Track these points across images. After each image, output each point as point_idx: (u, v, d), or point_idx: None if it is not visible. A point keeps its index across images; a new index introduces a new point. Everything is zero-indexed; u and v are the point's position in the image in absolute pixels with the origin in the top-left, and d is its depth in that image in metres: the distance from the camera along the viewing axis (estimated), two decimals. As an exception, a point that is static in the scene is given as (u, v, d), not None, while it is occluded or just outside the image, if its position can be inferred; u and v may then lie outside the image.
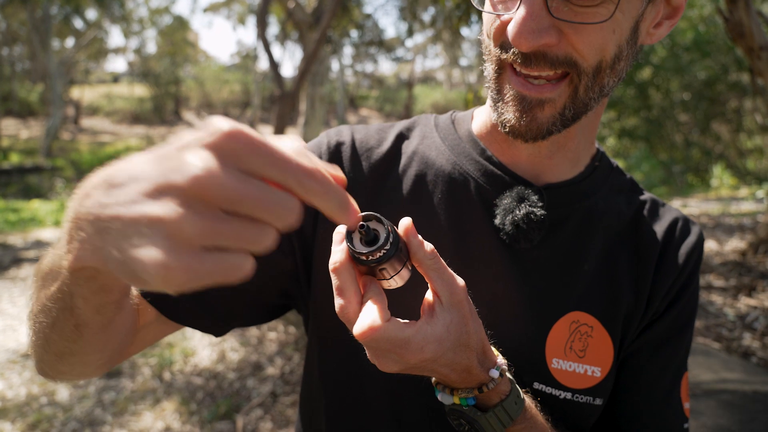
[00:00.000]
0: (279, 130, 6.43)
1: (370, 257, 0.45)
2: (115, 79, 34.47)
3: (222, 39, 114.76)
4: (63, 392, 3.45)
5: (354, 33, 14.03)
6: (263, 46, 6.01)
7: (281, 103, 6.19)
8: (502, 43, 0.54)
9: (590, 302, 0.60)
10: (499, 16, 0.52)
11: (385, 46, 13.54)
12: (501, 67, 0.55)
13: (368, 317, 0.44)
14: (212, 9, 28.70)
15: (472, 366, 0.49)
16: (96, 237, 0.32)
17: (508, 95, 0.56)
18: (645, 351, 0.63)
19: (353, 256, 0.46)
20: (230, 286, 0.58)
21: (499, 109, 0.57)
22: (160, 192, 0.29)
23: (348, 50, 23.37)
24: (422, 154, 0.67)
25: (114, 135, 25.49)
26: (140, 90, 29.40)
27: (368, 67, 33.05)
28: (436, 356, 0.46)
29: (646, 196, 0.68)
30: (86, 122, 27.22)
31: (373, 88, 35.23)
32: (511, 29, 0.50)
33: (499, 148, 0.65)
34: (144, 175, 0.31)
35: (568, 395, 0.58)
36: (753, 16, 3.10)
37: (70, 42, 24.93)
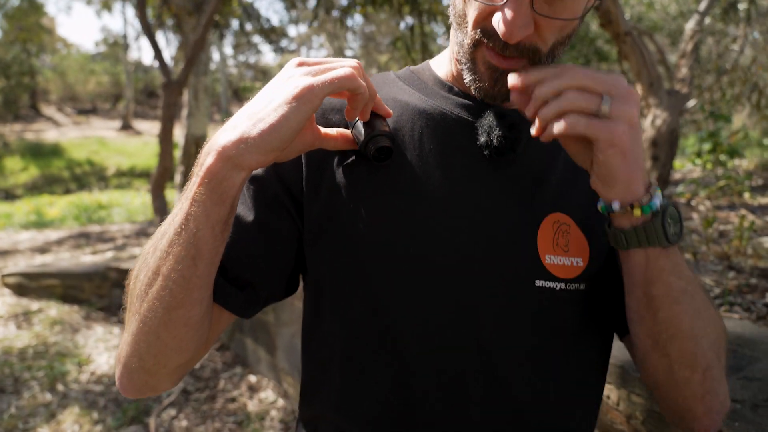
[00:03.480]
0: (167, 121, 6.03)
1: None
2: (-48, 69, 29.90)
3: (84, 25, 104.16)
4: (-68, 418, 3.01)
5: (237, 21, 13.50)
6: (145, 33, 5.58)
7: (168, 92, 5.83)
8: (483, 27, 0.60)
9: (564, 204, 0.68)
10: (487, 4, 0.58)
11: (270, 36, 13.21)
12: (477, 43, 0.62)
13: None
14: (69, -8, 25.96)
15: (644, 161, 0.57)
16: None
17: (481, 65, 0.63)
18: None
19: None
20: (251, 260, 0.66)
21: (474, 78, 0.64)
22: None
23: (229, 39, 22.45)
24: (393, 98, 0.71)
25: (-44, 133, 22.20)
26: (-15, 81, 25.81)
27: (251, 58, 31.99)
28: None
29: None
30: None
31: (257, 80, 34.16)
32: (502, 26, 0.56)
33: (465, 89, 0.71)
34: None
35: (562, 285, 0.66)
36: (618, 5, 3.51)
37: None
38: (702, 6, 4.65)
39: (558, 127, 0.54)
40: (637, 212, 0.56)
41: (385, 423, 0.67)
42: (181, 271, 0.56)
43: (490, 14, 0.59)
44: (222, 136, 0.55)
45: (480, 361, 0.65)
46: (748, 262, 2.64)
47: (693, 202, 4.54)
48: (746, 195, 4.69)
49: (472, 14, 0.61)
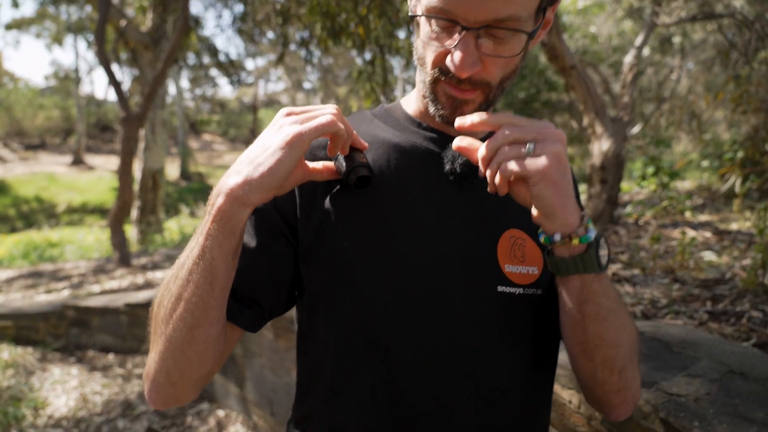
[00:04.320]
0: (126, 155, 5.97)
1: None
2: None
3: (33, 59, 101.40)
4: None
5: (194, 55, 13.50)
6: (104, 67, 5.55)
7: (127, 127, 5.79)
8: (440, 67, 0.72)
9: (518, 221, 0.79)
10: (442, 45, 0.70)
11: (227, 69, 13.26)
12: (436, 80, 0.74)
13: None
14: (17, 26, 25.38)
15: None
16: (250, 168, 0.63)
17: (442, 97, 0.74)
18: None
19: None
20: (256, 282, 0.75)
21: (437, 107, 0.76)
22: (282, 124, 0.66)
23: (185, 73, 22.32)
24: (371, 134, 0.82)
25: None
26: (-74, 117, 24.69)
27: (208, 91, 31.82)
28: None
29: None
30: None
31: (214, 113, 33.96)
32: (454, 63, 0.68)
33: (432, 124, 0.82)
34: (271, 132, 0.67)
35: (521, 290, 0.76)
36: (563, 42, 3.77)
37: None
38: (638, 41, 5.03)
39: (497, 178, 0.63)
40: (575, 242, 0.64)
41: (376, 415, 0.75)
42: (201, 295, 0.65)
43: (445, 55, 0.70)
44: (229, 179, 0.64)
45: (458, 359, 0.74)
46: (691, 274, 2.84)
47: (640, 222, 4.81)
48: (688, 214, 5.01)
49: (430, 57, 0.72)
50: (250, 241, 0.75)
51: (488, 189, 0.66)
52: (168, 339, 0.68)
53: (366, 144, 0.76)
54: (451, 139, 0.80)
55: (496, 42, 0.68)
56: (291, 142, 0.63)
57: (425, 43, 0.72)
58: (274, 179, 0.63)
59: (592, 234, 0.65)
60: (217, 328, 0.69)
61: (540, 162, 0.61)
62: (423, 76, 0.75)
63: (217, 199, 0.64)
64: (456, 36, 0.67)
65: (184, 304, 0.66)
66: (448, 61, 0.69)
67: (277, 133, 0.65)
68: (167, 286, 0.69)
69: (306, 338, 0.82)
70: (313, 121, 0.66)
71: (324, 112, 0.68)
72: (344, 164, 0.73)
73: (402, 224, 0.75)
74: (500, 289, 0.75)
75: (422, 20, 0.71)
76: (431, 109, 0.76)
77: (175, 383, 0.71)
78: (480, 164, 0.66)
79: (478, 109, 0.74)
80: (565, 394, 1.41)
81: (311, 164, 0.73)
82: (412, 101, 0.86)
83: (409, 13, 0.74)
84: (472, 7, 0.64)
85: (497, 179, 0.64)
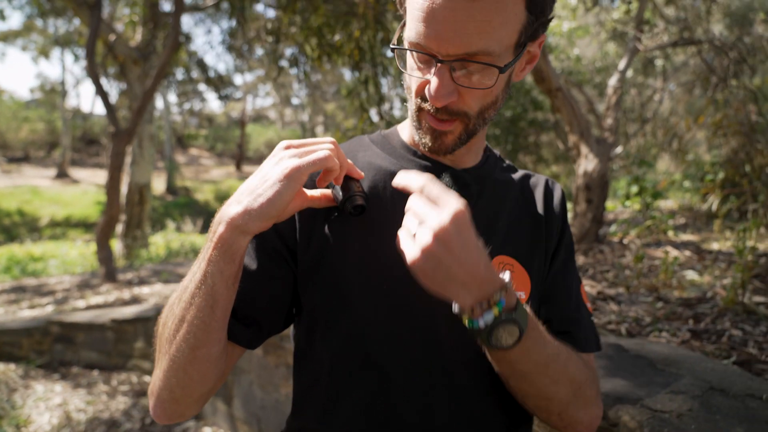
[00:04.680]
0: (115, 170, 5.95)
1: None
2: None
3: (19, 71, 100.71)
4: None
5: (183, 70, 13.54)
6: (94, 82, 5.56)
7: (116, 141, 5.78)
8: (422, 96, 0.76)
9: (509, 247, 0.83)
10: (423, 76, 0.74)
11: (216, 84, 13.30)
12: (420, 109, 0.78)
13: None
14: (3, 38, 25.22)
15: (486, 262, 0.64)
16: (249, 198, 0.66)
17: (425, 127, 0.79)
18: (559, 273, 0.88)
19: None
20: (256, 302, 0.77)
21: (420, 136, 0.80)
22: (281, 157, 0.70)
23: (173, 87, 22.27)
24: (368, 162, 0.86)
25: None
26: None
27: (196, 105, 31.78)
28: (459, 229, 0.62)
29: (522, 171, 0.95)
30: None
31: (202, 127, 33.89)
32: (428, 93, 0.72)
33: (426, 152, 0.86)
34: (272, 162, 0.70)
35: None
36: (549, 64, 3.88)
37: None
38: (621, 65, 5.18)
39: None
40: (465, 322, 0.67)
41: (368, 429, 0.78)
42: (203, 318, 0.68)
43: (426, 85, 0.74)
44: (230, 208, 0.67)
45: (447, 377, 0.78)
46: (673, 293, 2.91)
47: (625, 241, 4.90)
48: (670, 233, 5.11)
49: (413, 86, 0.77)
50: (251, 263, 0.78)
51: None
52: (171, 358, 0.71)
53: (362, 174, 0.79)
54: (445, 167, 0.85)
55: (470, 74, 0.72)
56: (289, 175, 0.67)
57: (409, 74, 0.77)
58: (273, 209, 0.66)
59: (482, 321, 0.65)
60: (218, 348, 0.72)
61: (412, 251, 0.63)
62: (410, 104, 0.80)
63: (218, 227, 0.67)
64: (434, 68, 0.72)
65: (187, 326, 0.69)
66: (426, 90, 0.73)
67: (276, 166, 0.68)
68: (171, 308, 0.72)
69: (303, 355, 0.85)
70: (311, 155, 0.69)
71: (321, 147, 0.71)
72: (341, 193, 0.77)
73: (396, 250, 0.79)
74: None
75: (407, 52, 0.76)
76: (416, 137, 0.81)
77: (178, 400, 0.74)
78: None
79: (458, 139, 0.78)
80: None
81: (309, 192, 0.77)
82: (407, 128, 0.90)
83: (391, 45, 0.78)
84: (445, 42, 0.68)
85: None
